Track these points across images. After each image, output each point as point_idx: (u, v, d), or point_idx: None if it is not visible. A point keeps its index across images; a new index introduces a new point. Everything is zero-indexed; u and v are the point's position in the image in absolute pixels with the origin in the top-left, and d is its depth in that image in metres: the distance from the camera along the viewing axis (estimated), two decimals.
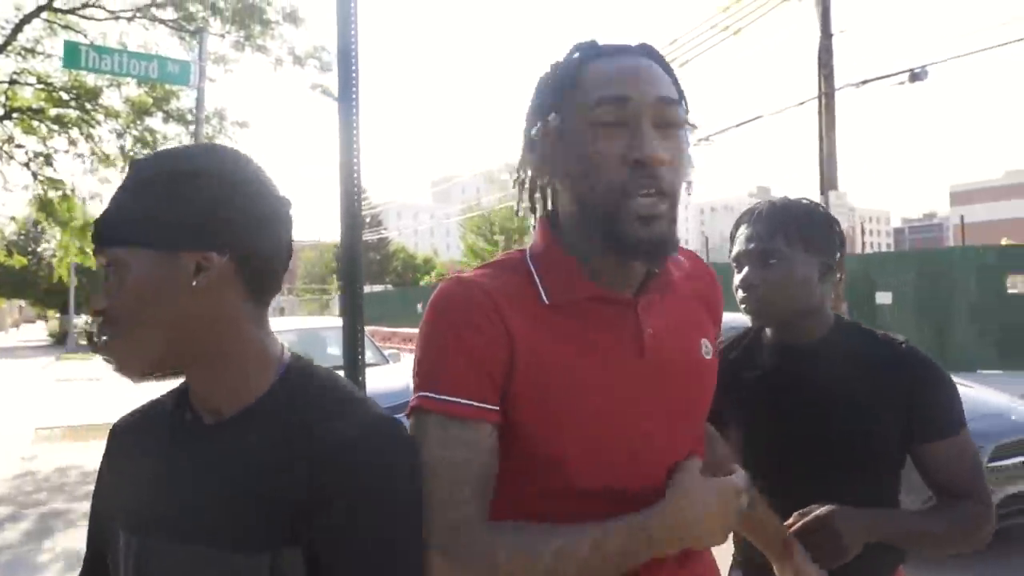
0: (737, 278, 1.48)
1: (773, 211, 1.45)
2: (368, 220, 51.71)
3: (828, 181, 13.08)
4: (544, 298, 0.95)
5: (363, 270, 2.83)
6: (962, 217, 16.96)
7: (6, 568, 4.53)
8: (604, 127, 0.90)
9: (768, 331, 1.52)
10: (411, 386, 0.95)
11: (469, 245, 47.66)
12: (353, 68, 2.74)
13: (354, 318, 2.83)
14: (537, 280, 0.96)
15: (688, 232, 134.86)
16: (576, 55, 0.96)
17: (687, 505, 0.88)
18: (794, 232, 1.41)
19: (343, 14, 2.76)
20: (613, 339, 0.96)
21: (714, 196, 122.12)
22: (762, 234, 1.43)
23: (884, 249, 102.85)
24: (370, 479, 0.77)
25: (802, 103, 13.75)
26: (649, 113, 0.90)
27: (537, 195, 1.00)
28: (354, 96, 2.75)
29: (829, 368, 1.42)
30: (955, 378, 5.65)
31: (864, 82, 12.90)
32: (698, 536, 0.89)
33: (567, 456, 0.92)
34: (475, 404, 0.89)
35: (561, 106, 0.94)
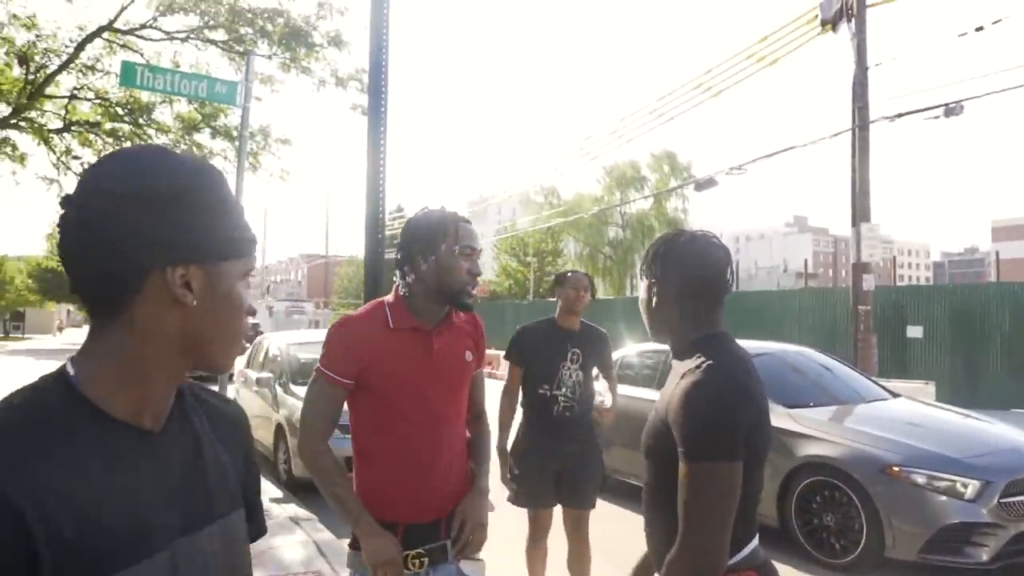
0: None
1: (652, 248, 1.69)
2: None
3: (860, 213, 13.03)
4: (390, 324, 2.02)
5: (384, 286, 3.04)
6: (997, 253, 16.70)
7: None
8: (463, 256, 2.00)
9: None
10: None
11: (503, 265, 47.91)
12: (383, 86, 2.96)
13: None
14: (388, 315, 2.03)
15: None
16: (451, 220, 2.02)
17: (369, 541, 1.91)
18: (647, 263, 1.66)
19: (376, 34, 2.98)
20: (416, 346, 2.01)
21: (748, 225, 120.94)
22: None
23: (923, 282, 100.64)
24: (252, 441, 1.12)
25: (836, 135, 13.73)
26: (477, 254, 2.05)
27: (403, 275, 2.05)
28: (383, 115, 2.97)
29: (668, 384, 1.59)
30: (975, 413, 5.64)
31: (899, 115, 12.87)
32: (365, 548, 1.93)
33: (398, 399, 1.99)
34: (338, 378, 1.98)
35: (447, 241, 1.99)
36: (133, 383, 0.83)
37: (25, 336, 53.88)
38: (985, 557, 4.37)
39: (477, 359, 2.19)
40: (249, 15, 9.54)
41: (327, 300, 56.00)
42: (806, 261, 21.67)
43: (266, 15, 9.46)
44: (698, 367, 1.46)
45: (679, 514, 1.38)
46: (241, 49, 9.74)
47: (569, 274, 3.84)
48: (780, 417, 5.23)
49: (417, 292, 2.02)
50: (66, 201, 0.82)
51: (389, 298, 2.07)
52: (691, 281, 1.58)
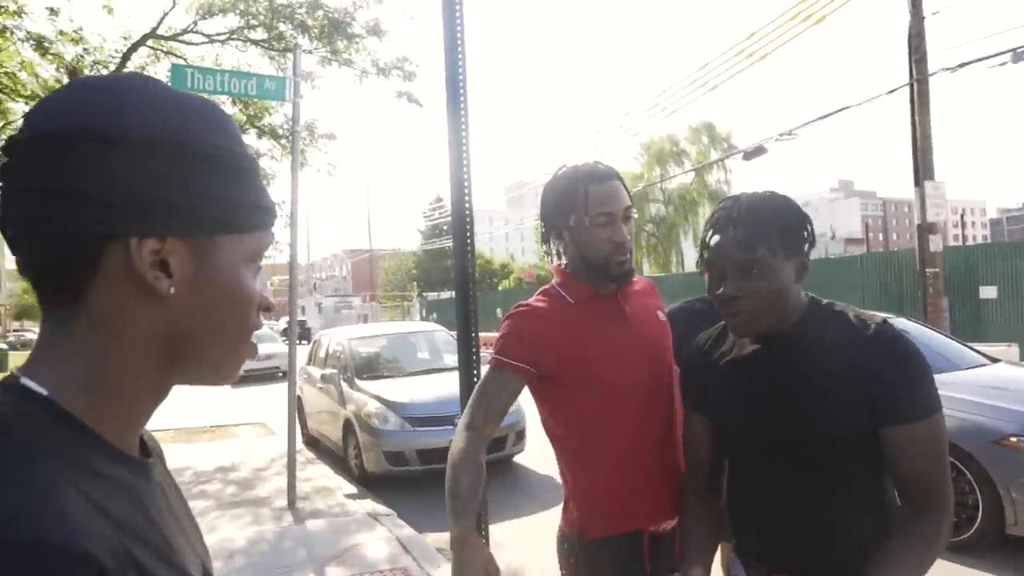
0: (715, 291, 1.41)
1: (752, 217, 1.37)
2: (444, 228, 52.44)
3: (924, 171, 12.47)
4: (569, 300, 1.78)
5: (475, 277, 2.88)
6: None
7: None
8: (599, 225, 1.70)
9: None
10: None
11: (546, 250, 47.59)
12: (461, 86, 2.80)
13: (467, 323, 2.89)
14: (563, 293, 1.79)
15: None
16: (581, 183, 1.72)
17: (461, 557, 1.54)
18: (775, 240, 1.36)
19: (449, 32, 2.83)
20: (608, 315, 1.76)
21: (791, 192, 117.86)
22: (742, 242, 1.36)
23: (980, 241, 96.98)
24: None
25: (892, 91, 13.14)
26: (620, 215, 1.71)
27: (555, 250, 1.83)
28: (463, 113, 2.82)
29: (797, 356, 1.41)
30: None
31: (960, 65, 12.22)
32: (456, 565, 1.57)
33: (603, 380, 1.70)
34: (517, 364, 1.71)
35: (576, 212, 1.71)
36: (109, 400, 0.61)
37: None
38: None
39: (667, 322, 1.92)
40: (287, 10, 9.47)
41: (373, 294, 56.48)
42: (867, 225, 20.99)
43: (304, 9, 9.37)
44: (875, 324, 1.38)
45: (925, 473, 1.32)
46: (281, 46, 9.67)
47: None
48: None
49: (577, 266, 1.79)
50: (7, 146, 0.59)
51: (556, 279, 1.85)
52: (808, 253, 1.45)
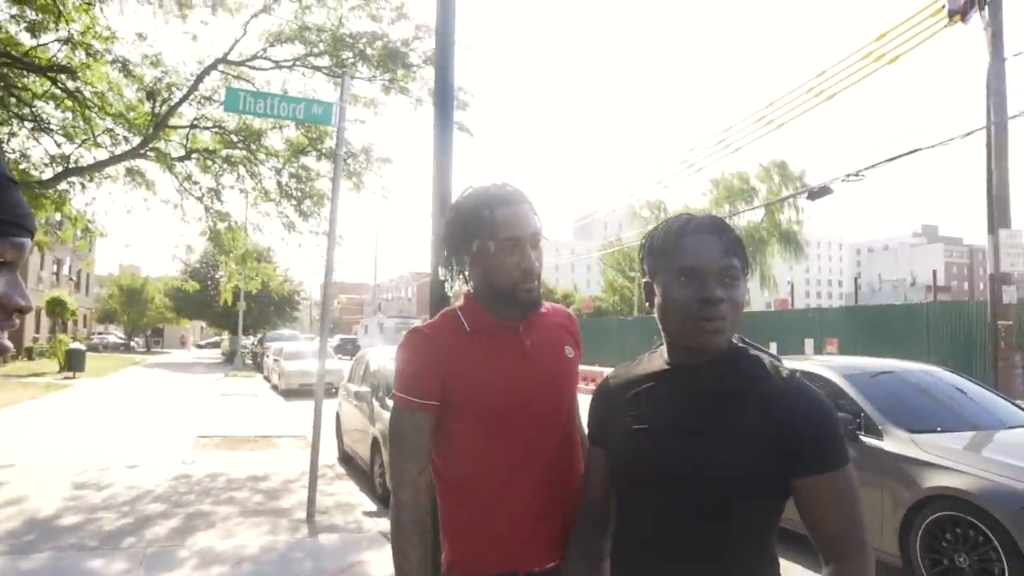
0: (700, 290, 1.32)
1: (723, 227, 1.37)
2: None
3: (999, 218, 11.88)
4: (467, 327, 1.69)
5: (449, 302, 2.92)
6: None
7: (150, 559, 4.99)
8: (505, 251, 1.61)
9: (663, 350, 1.45)
10: None
11: (608, 281, 47.39)
12: (450, 99, 2.89)
13: None
14: (462, 318, 1.70)
15: (843, 273, 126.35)
16: (486, 206, 1.62)
17: None
18: (742, 255, 1.37)
19: (441, 40, 2.91)
20: (505, 346, 1.68)
21: (870, 236, 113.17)
22: (726, 248, 1.34)
23: None
24: None
25: (968, 134, 12.61)
26: (528, 241, 1.62)
27: (460, 277, 1.74)
28: (449, 129, 2.89)
29: (710, 389, 1.36)
30: None
31: None
32: None
33: (493, 413, 1.63)
34: (419, 400, 1.64)
35: (481, 237, 1.62)
36: None
37: (163, 350, 58.75)
38: None
39: (577, 357, 1.80)
40: (350, 40, 9.84)
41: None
42: (934, 272, 20.04)
43: (365, 39, 9.73)
44: (787, 372, 1.37)
45: (840, 522, 1.30)
46: (342, 73, 10.04)
47: None
48: (902, 443, 4.72)
49: (480, 292, 1.70)
50: None
51: (459, 302, 1.75)
52: None
